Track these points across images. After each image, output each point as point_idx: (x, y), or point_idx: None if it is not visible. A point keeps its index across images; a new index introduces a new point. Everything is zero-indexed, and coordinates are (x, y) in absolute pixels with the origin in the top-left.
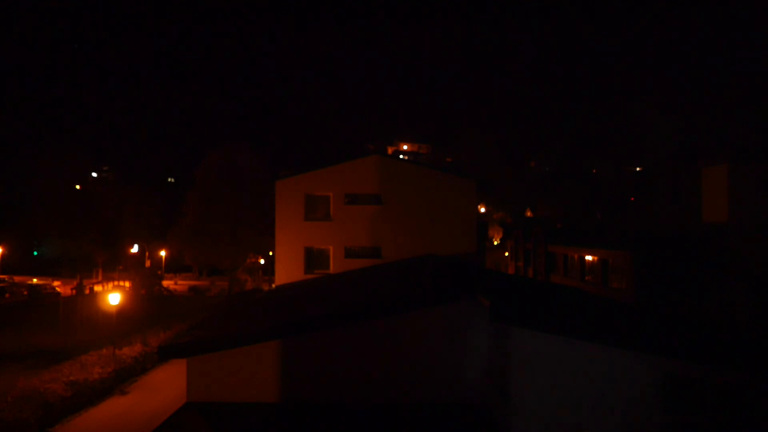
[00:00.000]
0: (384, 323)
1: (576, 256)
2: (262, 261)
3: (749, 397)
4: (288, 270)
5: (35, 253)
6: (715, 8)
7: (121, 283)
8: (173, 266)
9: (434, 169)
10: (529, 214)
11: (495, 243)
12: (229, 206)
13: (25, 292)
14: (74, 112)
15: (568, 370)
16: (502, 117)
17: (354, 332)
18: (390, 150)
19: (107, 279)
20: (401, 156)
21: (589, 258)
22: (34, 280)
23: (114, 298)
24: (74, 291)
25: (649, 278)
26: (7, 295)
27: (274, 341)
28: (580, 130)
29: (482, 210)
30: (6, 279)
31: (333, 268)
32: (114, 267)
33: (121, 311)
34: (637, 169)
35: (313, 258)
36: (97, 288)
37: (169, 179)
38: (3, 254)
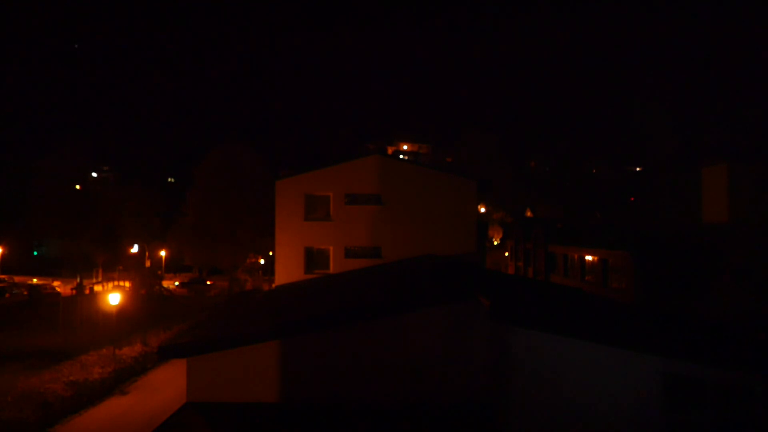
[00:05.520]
0: (384, 323)
1: (576, 256)
2: (262, 261)
3: (749, 397)
4: (288, 270)
5: (35, 253)
6: (715, 8)
7: (121, 283)
8: (173, 266)
9: (434, 169)
10: (529, 214)
11: (495, 243)
12: (229, 206)
13: (25, 292)
14: (74, 112)
15: (568, 370)
16: (502, 117)
17: (354, 332)
18: (390, 150)
19: (107, 279)
20: (401, 156)
21: (589, 258)
22: (34, 280)
23: (114, 298)
24: (74, 291)
25: (649, 278)
26: (7, 295)
27: (274, 341)
28: (580, 130)
29: (482, 210)
30: (6, 279)
31: (333, 268)
32: (114, 267)
33: (121, 311)
34: (637, 169)
35: (313, 258)
36: (97, 288)
37: (169, 179)
38: (3, 254)
